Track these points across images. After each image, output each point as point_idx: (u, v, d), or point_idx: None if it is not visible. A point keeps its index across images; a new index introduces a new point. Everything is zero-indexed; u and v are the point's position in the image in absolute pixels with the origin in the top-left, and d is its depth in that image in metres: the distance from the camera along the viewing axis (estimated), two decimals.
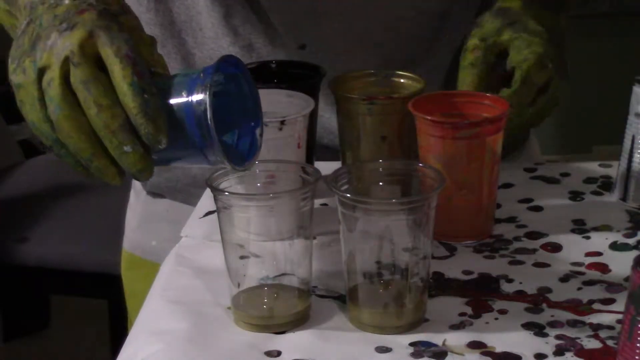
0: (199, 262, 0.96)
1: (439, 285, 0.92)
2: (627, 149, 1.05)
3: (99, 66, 0.81)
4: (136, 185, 1.26)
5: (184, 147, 0.82)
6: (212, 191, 0.86)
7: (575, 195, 1.08)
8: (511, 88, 1.04)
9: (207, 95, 0.80)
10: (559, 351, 0.82)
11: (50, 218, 2.12)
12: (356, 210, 0.84)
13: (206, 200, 1.07)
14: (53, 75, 0.81)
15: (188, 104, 0.80)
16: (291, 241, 0.86)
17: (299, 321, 0.86)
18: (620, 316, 0.82)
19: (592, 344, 0.83)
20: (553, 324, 0.86)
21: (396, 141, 1.04)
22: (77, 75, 0.80)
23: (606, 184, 1.10)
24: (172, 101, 0.81)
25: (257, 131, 0.85)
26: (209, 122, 0.79)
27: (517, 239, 0.99)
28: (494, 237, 1.00)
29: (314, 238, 0.94)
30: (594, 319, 0.87)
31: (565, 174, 1.12)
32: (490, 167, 0.97)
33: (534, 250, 0.97)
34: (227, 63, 0.84)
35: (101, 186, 2.13)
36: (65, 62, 0.81)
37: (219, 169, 0.86)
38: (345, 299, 0.87)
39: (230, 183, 0.87)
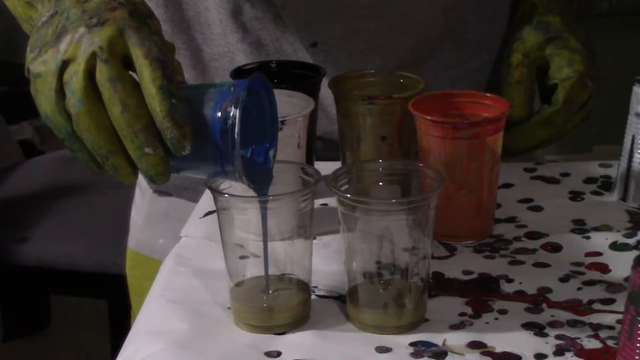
0: (199, 262, 0.96)
1: (439, 285, 0.92)
2: (627, 149, 1.05)
3: (125, 65, 0.81)
4: (142, 183, 1.26)
5: (203, 157, 0.81)
6: (211, 192, 0.86)
7: (575, 195, 1.08)
8: (553, 107, 1.08)
9: (238, 110, 0.79)
10: (559, 351, 0.82)
11: (50, 218, 2.12)
12: (356, 210, 0.84)
13: (206, 200, 1.07)
14: (77, 69, 0.80)
15: (215, 116, 0.80)
16: (291, 241, 0.86)
17: (299, 321, 0.86)
18: (620, 316, 0.82)
19: (592, 344, 0.83)
20: (553, 324, 0.86)
21: (396, 141, 1.04)
22: (104, 72, 0.79)
23: (606, 184, 1.10)
24: (198, 110, 0.80)
25: (271, 152, 0.85)
26: (236, 137, 0.79)
27: (517, 239, 0.99)
28: (494, 237, 1.00)
29: (314, 238, 0.94)
30: (594, 319, 0.87)
31: (565, 174, 1.12)
32: (490, 167, 0.97)
33: (534, 250, 0.97)
34: (257, 81, 0.83)
35: (101, 186, 2.15)
36: (92, 57, 0.80)
37: None
38: (345, 299, 0.87)
39: (230, 184, 0.87)
